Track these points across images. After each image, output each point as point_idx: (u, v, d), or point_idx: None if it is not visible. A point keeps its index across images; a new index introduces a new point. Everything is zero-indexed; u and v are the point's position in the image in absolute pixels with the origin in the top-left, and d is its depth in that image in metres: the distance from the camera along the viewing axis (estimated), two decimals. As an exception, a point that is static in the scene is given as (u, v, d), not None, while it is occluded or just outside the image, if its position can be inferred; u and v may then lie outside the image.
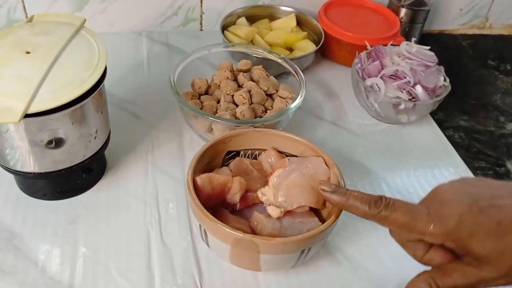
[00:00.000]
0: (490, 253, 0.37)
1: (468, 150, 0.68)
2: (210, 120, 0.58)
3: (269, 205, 0.49)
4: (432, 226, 0.38)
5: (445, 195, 0.40)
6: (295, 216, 0.48)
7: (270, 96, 0.64)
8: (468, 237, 0.37)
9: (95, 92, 0.48)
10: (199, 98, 0.64)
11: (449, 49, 0.92)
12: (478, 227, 0.37)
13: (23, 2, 0.77)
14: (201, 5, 0.84)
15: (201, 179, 0.48)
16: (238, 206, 0.50)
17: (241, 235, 0.42)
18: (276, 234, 0.46)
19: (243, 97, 0.61)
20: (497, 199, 0.38)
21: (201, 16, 0.85)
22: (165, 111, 0.68)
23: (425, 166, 0.65)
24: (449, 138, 0.70)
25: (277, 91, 0.64)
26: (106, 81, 0.51)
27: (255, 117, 0.60)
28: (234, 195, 0.49)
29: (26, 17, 0.79)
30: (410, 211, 0.40)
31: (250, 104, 0.61)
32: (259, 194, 0.50)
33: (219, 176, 0.49)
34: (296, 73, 0.64)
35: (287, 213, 0.48)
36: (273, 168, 0.53)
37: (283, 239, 0.43)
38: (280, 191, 0.49)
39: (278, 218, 0.47)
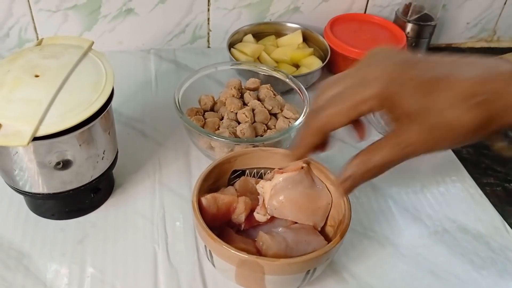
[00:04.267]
0: (416, 109, 0.36)
1: (476, 166, 0.68)
2: (207, 137, 0.58)
3: (262, 202, 0.50)
4: (359, 94, 0.37)
5: (377, 57, 0.39)
6: (300, 235, 0.48)
7: (274, 115, 0.64)
8: (397, 93, 0.36)
9: (102, 114, 0.49)
10: (203, 114, 0.64)
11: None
12: (407, 82, 0.36)
13: (33, 23, 0.79)
14: (208, 23, 0.85)
15: (206, 199, 0.48)
16: (243, 226, 0.50)
17: (246, 256, 0.42)
18: (282, 255, 0.46)
19: (246, 116, 0.61)
20: (428, 62, 0.37)
21: (208, 33, 0.86)
22: (173, 129, 0.68)
23: (433, 182, 0.64)
24: (457, 153, 0.69)
25: (282, 110, 0.64)
26: (114, 100, 0.52)
27: (256, 136, 0.61)
28: (239, 215, 0.50)
29: (37, 37, 0.81)
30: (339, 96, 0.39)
31: (253, 123, 0.62)
32: (259, 186, 0.51)
33: (224, 196, 0.49)
34: (300, 92, 0.65)
35: (294, 233, 0.48)
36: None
37: (287, 260, 0.43)
38: (279, 197, 0.49)
39: (284, 238, 0.47)
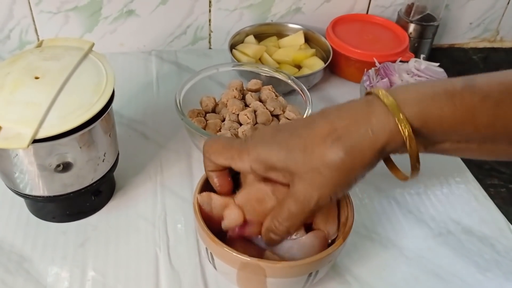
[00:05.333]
0: (286, 162, 0.39)
1: (480, 167, 0.67)
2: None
3: None
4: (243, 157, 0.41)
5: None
6: (306, 242, 0.47)
7: (276, 116, 0.64)
8: (267, 153, 0.40)
9: (103, 116, 0.49)
10: (205, 116, 0.64)
11: (459, 63, 0.91)
12: (270, 141, 0.40)
13: (34, 25, 0.79)
14: (210, 24, 0.84)
15: (201, 196, 0.47)
16: (229, 234, 0.49)
17: (247, 259, 0.42)
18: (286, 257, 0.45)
19: (247, 117, 0.61)
20: (290, 123, 0.42)
21: (209, 34, 0.86)
22: (175, 131, 0.68)
23: (436, 184, 0.64)
24: (461, 154, 0.69)
25: (284, 111, 0.63)
26: (115, 102, 0.52)
27: None
28: (229, 222, 0.48)
29: (38, 38, 0.80)
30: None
31: (255, 124, 0.61)
32: None
33: (219, 197, 0.48)
34: (302, 92, 0.64)
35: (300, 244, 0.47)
36: None
37: (289, 263, 0.42)
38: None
39: (290, 254, 0.46)
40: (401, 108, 0.36)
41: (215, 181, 0.47)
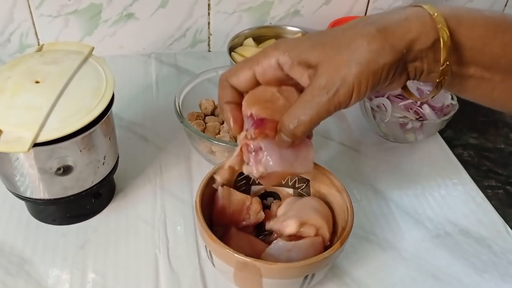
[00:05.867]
0: (312, 48, 0.37)
1: (477, 169, 0.68)
2: (208, 141, 0.58)
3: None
4: (264, 54, 0.40)
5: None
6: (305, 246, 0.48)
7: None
8: (297, 46, 0.38)
9: (103, 120, 0.49)
10: (204, 119, 0.64)
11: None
12: (304, 40, 0.39)
13: (35, 28, 0.79)
14: (209, 27, 0.85)
15: (222, 190, 0.49)
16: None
17: (244, 258, 0.43)
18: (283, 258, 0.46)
19: None
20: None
21: (208, 37, 0.86)
22: (174, 133, 0.69)
23: (434, 185, 0.64)
24: (458, 156, 0.69)
25: None
26: (115, 105, 0.52)
27: None
28: (256, 214, 0.50)
29: (38, 42, 0.81)
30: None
31: None
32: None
33: (239, 193, 0.50)
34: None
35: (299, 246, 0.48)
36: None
37: (285, 264, 0.43)
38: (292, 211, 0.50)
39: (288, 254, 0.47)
40: (442, 13, 0.36)
41: (229, 115, 0.43)
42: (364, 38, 0.36)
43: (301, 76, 0.39)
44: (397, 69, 0.37)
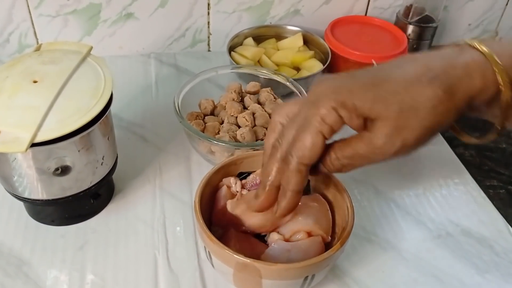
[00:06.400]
0: (373, 108, 0.35)
1: (479, 168, 0.67)
2: (207, 141, 0.58)
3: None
4: (316, 109, 0.37)
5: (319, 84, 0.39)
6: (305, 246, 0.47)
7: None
8: (350, 94, 0.36)
9: (101, 120, 0.49)
10: (203, 118, 0.64)
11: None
12: (356, 83, 0.36)
13: (34, 28, 0.79)
14: (208, 27, 0.84)
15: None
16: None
17: (243, 259, 0.42)
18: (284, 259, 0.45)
19: (246, 119, 0.61)
20: (371, 71, 0.38)
21: (208, 37, 0.86)
22: (173, 133, 0.68)
23: (435, 186, 0.64)
24: (460, 156, 0.69)
25: None
26: (114, 105, 0.52)
27: (257, 140, 0.60)
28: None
29: (37, 42, 0.81)
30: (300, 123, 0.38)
31: (253, 127, 0.61)
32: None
33: None
34: (300, 95, 0.64)
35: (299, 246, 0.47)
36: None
37: (285, 265, 0.42)
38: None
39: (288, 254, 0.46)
40: (496, 58, 0.35)
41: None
42: (430, 101, 0.34)
43: (357, 125, 0.38)
44: (459, 115, 0.37)
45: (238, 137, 0.59)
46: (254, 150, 0.56)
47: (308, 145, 0.37)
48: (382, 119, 0.35)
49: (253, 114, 0.62)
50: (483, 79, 0.35)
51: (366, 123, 0.37)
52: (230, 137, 0.59)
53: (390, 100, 0.35)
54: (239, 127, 0.61)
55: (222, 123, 0.63)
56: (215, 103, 0.66)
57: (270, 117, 0.63)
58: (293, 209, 0.43)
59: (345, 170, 0.39)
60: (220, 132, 0.61)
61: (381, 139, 0.35)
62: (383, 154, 0.36)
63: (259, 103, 0.65)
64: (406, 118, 0.35)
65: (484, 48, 0.36)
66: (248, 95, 0.66)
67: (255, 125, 0.62)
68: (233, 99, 0.64)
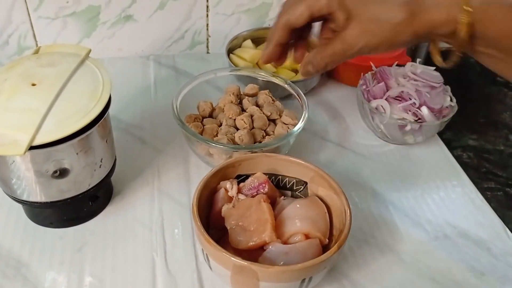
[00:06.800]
0: (356, 7, 0.44)
1: (477, 170, 0.68)
2: (205, 144, 0.58)
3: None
4: None
5: None
6: (302, 248, 0.47)
7: (273, 121, 0.64)
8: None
9: (99, 122, 0.49)
10: (202, 121, 0.64)
11: (457, 66, 0.91)
12: None
13: (33, 30, 0.79)
14: (207, 29, 0.85)
15: None
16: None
17: (241, 261, 0.42)
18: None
19: (244, 122, 0.61)
20: None
21: (207, 39, 0.86)
22: (172, 135, 0.68)
23: (433, 188, 0.64)
24: (457, 158, 0.69)
25: (280, 116, 0.64)
26: (113, 107, 0.52)
27: (255, 142, 0.60)
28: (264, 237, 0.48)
29: (36, 44, 0.81)
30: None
31: (251, 129, 0.61)
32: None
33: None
34: (299, 97, 0.65)
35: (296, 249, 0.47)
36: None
37: (282, 268, 0.43)
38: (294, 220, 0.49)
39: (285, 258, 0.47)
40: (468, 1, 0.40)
41: (273, 52, 0.50)
42: (394, 19, 0.42)
43: (339, 19, 0.45)
44: (413, 42, 0.44)
45: (237, 139, 0.59)
46: (252, 153, 0.57)
47: (297, 12, 0.46)
48: (356, 21, 0.44)
49: (251, 116, 0.63)
50: (448, 14, 0.41)
51: (344, 21, 0.45)
52: (228, 139, 0.59)
53: (368, 7, 0.43)
54: (237, 129, 0.62)
55: (220, 125, 0.63)
56: (214, 105, 0.66)
57: (268, 119, 0.63)
58: (270, 59, 0.51)
59: (329, 67, 0.48)
60: (218, 135, 0.61)
61: (351, 37, 0.44)
62: (351, 49, 0.45)
63: (257, 105, 0.65)
64: (373, 26, 0.43)
65: None
66: (246, 97, 0.66)
67: (253, 127, 0.62)
68: (232, 101, 0.65)
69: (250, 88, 0.67)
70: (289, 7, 0.47)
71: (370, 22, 0.43)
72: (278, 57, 0.51)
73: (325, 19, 0.48)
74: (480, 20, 0.40)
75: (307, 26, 0.49)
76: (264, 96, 0.66)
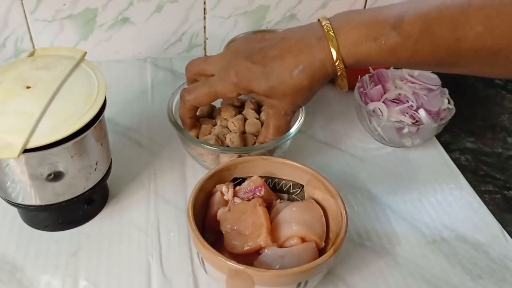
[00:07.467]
0: (266, 90, 0.53)
1: (475, 173, 0.67)
2: (191, 142, 0.58)
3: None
4: (223, 85, 0.54)
5: (228, 57, 0.56)
6: (298, 252, 0.47)
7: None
8: (249, 83, 0.53)
9: (94, 125, 0.49)
10: (198, 120, 0.64)
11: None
12: (252, 75, 0.53)
13: (29, 33, 0.79)
14: (205, 31, 0.84)
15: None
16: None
17: (236, 265, 0.42)
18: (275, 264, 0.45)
19: (234, 125, 0.60)
20: (264, 50, 0.53)
21: (204, 41, 0.86)
22: (169, 138, 0.68)
23: (430, 190, 0.64)
24: (455, 160, 0.69)
25: None
26: (109, 110, 0.52)
27: (245, 146, 0.60)
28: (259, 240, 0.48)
29: (33, 46, 0.81)
30: (207, 83, 0.56)
31: (243, 133, 0.61)
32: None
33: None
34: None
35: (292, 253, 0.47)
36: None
37: (277, 271, 0.42)
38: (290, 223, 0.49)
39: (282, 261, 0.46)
40: (341, 52, 0.50)
41: (189, 124, 0.61)
42: (301, 88, 0.53)
43: (256, 97, 0.56)
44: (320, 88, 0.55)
45: (227, 141, 0.59)
46: (239, 156, 0.56)
47: (202, 98, 0.56)
48: (274, 98, 0.54)
49: (245, 120, 0.62)
50: (332, 68, 0.52)
51: (263, 99, 0.55)
52: (217, 140, 0.58)
53: (276, 88, 0.53)
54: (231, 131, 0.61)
55: (215, 124, 0.62)
56: (215, 106, 0.66)
57: (262, 126, 0.62)
58: (193, 126, 0.61)
59: (280, 136, 0.58)
60: (210, 134, 0.60)
61: (280, 108, 0.55)
62: (288, 116, 0.56)
63: (259, 108, 0.65)
64: (290, 98, 0.54)
65: (334, 43, 0.50)
66: (249, 99, 0.65)
67: (244, 132, 0.61)
68: (231, 103, 0.64)
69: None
70: (192, 91, 0.56)
71: (285, 97, 0.53)
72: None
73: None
74: (356, 61, 0.51)
75: None
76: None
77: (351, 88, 0.75)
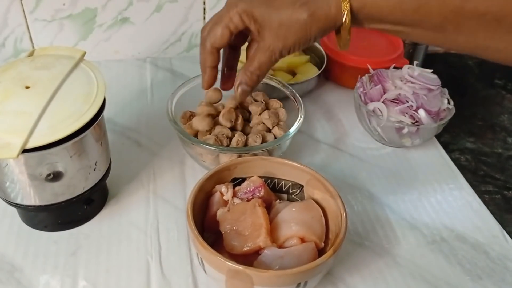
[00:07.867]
0: (264, 15, 0.48)
1: (474, 173, 0.67)
2: (189, 142, 0.58)
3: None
4: (227, 12, 0.49)
5: None
6: (298, 252, 0.47)
7: (269, 129, 0.63)
8: (251, 7, 0.48)
9: (94, 125, 0.49)
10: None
11: (455, 68, 0.91)
12: (256, 1, 0.49)
13: (29, 33, 0.79)
14: (204, 31, 0.84)
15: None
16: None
17: (235, 266, 0.42)
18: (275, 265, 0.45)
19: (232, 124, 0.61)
20: None
21: (204, 41, 0.86)
22: (168, 138, 0.68)
23: (430, 191, 0.64)
24: (455, 161, 0.69)
25: (273, 127, 0.62)
26: (109, 109, 0.52)
27: (245, 145, 0.60)
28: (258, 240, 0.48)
29: (33, 46, 0.80)
30: (215, 16, 0.52)
31: (248, 135, 0.61)
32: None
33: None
34: (295, 99, 0.64)
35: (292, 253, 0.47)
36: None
37: (277, 272, 0.42)
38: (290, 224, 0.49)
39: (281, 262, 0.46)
40: None
41: (209, 76, 0.54)
42: (299, 21, 0.47)
43: (254, 30, 0.49)
44: (323, 34, 0.49)
45: (224, 142, 0.59)
46: (239, 156, 0.56)
47: (218, 34, 0.50)
48: (268, 29, 0.48)
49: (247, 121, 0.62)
50: (337, 9, 0.47)
51: (259, 32, 0.49)
52: (216, 140, 0.58)
53: (274, 16, 0.48)
54: (232, 131, 0.61)
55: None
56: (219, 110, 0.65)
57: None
58: (211, 83, 0.55)
59: (261, 78, 0.51)
60: (211, 134, 0.60)
61: (269, 43, 0.49)
62: (274, 55, 0.49)
63: (267, 108, 0.64)
64: (283, 30, 0.48)
65: None
66: (253, 101, 0.65)
67: (249, 133, 0.61)
68: (234, 105, 0.64)
69: (255, 94, 0.66)
70: (208, 32, 0.51)
71: (280, 28, 0.48)
72: (222, 80, 0.57)
73: (246, 36, 0.53)
74: (363, 6, 0.46)
75: (235, 52, 0.56)
76: (274, 103, 0.65)
77: (351, 87, 0.75)
